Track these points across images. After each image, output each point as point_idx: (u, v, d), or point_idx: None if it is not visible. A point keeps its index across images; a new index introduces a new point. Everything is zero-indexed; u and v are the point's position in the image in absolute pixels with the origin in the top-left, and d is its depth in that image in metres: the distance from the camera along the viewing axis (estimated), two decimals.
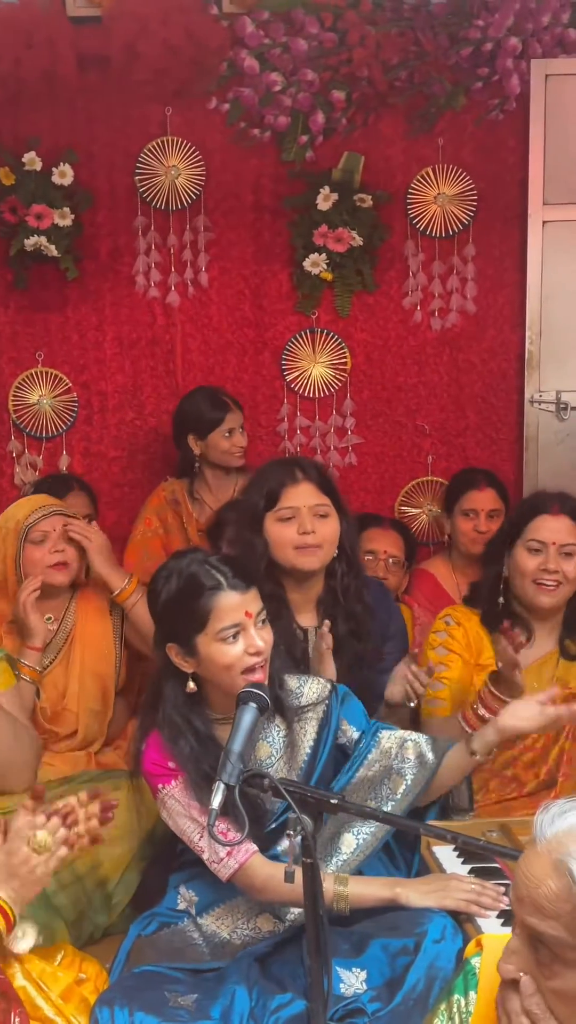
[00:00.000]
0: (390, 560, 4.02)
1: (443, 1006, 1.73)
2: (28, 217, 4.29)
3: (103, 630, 3.43)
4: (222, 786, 2.07)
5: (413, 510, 4.69)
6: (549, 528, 3.06)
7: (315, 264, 4.45)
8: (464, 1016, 1.69)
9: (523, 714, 2.59)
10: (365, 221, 4.42)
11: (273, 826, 2.52)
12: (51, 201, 4.30)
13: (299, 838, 1.97)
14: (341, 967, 2.30)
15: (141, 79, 4.34)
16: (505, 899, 2.32)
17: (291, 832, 1.97)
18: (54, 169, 4.32)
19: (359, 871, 2.57)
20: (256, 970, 2.36)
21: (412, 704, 2.93)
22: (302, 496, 2.98)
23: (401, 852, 2.72)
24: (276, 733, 2.59)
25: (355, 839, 2.57)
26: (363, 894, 2.43)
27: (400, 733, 2.67)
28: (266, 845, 2.48)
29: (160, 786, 2.48)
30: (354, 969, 2.31)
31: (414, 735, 2.68)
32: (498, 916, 2.33)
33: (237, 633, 2.45)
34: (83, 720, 3.35)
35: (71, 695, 3.35)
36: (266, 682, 2.45)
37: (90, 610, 3.44)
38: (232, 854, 2.39)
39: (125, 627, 3.42)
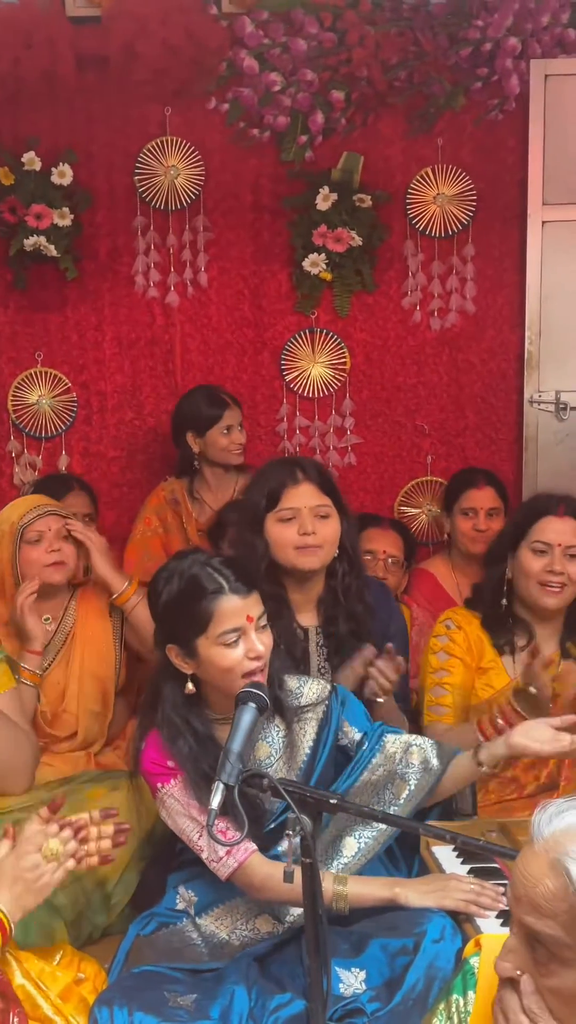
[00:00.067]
0: (389, 560, 4.02)
1: (442, 1006, 1.74)
2: (27, 217, 4.29)
3: (103, 631, 3.42)
4: (221, 786, 2.07)
5: (412, 510, 4.69)
6: (555, 529, 3.06)
7: (314, 264, 4.45)
8: (463, 1016, 1.70)
9: (536, 735, 2.56)
10: (364, 221, 4.42)
11: (272, 826, 2.52)
12: (50, 201, 4.30)
13: (298, 838, 1.97)
14: (340, 967, 2.29)
15: (140, 79, 4.34)
16: (504, 899, 2.32)
17: (290, 832, 1.96)
18: (53, 169, 4.32)
19: (360, 872, 2.56)
20: (255, 970, 2.36)
21: (380, 700, 2.86)
22: (303, 497, 2.97)
23: (402, 853, 2.71)
24: (275, 733, 2.59)
25: (357, 843, 2.56)
26: (362, 894, 2.43)
27: (405, 737, 2.66)
28: (266, 845, 2.47)
29: (159, 785, 2.48)
30: (353, 969, 2.31)
31: (419, 740, 2.67)
32: (497, 916, 2.33)
33: (238, 637, 2.44)
34: (83, 721, 3.34)
35: (71, 696, 3.34)
36: (265, 683, 2.44)
37: (90, 611, 3.43)
38: (231, 853, 2.39)
39: (125, 629, 3.41)
